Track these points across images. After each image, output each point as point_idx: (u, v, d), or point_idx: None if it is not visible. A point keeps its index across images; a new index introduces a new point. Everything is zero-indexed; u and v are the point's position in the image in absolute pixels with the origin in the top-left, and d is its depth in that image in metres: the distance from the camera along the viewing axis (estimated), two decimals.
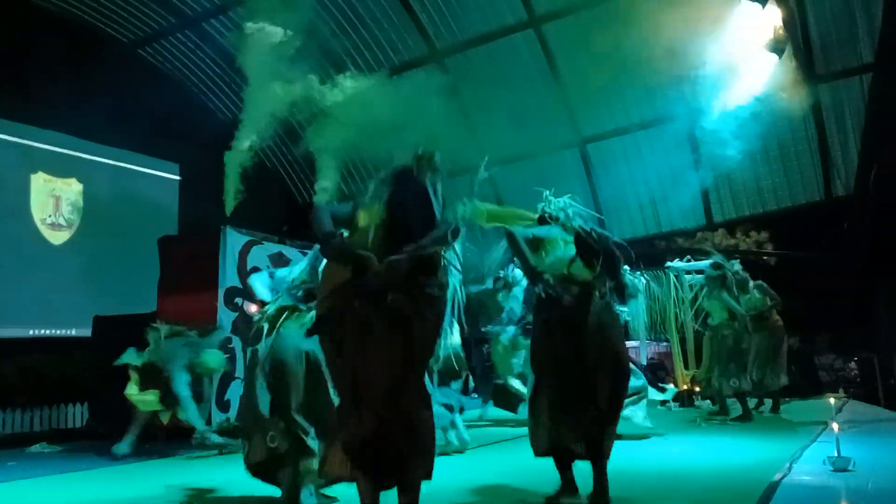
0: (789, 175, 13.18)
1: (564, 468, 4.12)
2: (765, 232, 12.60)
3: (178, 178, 13.01)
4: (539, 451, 4.09)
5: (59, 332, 11.17)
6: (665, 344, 12.19)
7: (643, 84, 12.02)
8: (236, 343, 7.71)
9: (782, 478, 4.55)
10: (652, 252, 11.39)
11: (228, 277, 7.86)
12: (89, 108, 10.68)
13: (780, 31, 10.05)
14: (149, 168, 12.78)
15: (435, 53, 13.13)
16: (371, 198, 3.27)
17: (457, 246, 3.63)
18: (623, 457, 5.62)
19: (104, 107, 10.79)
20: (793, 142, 12.80)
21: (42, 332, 11.03)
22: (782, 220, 13.01)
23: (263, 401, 4.12)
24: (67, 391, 9.38)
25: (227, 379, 7.70)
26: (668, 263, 9.35)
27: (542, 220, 4.48)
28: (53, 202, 11.45)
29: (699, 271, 9.36)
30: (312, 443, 4.08)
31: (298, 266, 4.61)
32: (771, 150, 12.65)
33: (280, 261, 8.00)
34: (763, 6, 9.92)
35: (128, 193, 12.06)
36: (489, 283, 7.45)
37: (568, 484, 4.11)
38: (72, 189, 11.70)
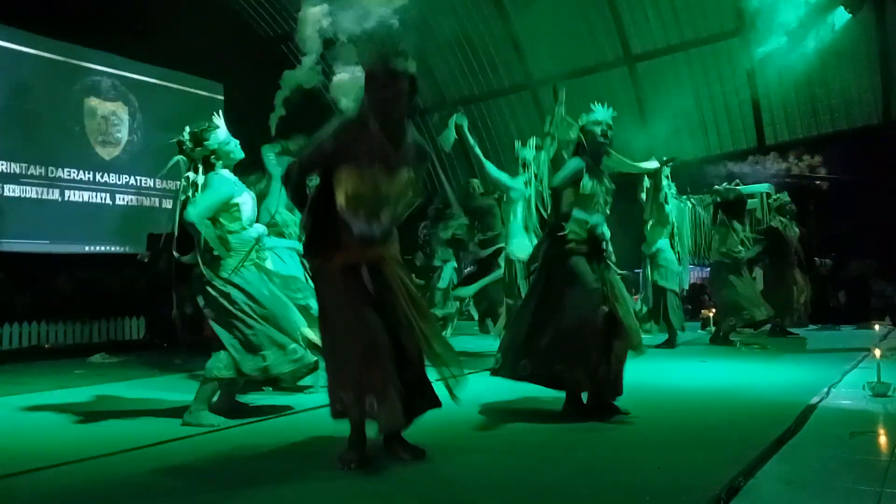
0: (847, 96, 12.65)
1: None
2: (818, 156, 12.21)
3: (222, 97, 13.06)
4: None
5: (113, 248, 11.57)
6: (709, 269, 12.08)
7: None
8: None
9: (820, 401, 4.59)
10: (699, 175, 11.13)
11: None
12: (135, 27, 10.73)
13: None
14: (193, 87, 12.87)
15: None
16: None
17: None
18: (661, 378, 5.71)
19: (149, 26, 10.83)
20: (852, 60, 12.20)
21: (97, 248, 11.44)
22: (837, 143, 12.58)
23: None
24: (124, 305, 9.76)
25: None
26: (716, 187, 9.16)
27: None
28: (104, 122, 11.71)
29: (749, 195, 9.21)
30: None
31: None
32: (829, 68, 12.10)
33: None
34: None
35: (173, 113, 12.17)
36: None
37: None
38: (120, 108, 11.92)
